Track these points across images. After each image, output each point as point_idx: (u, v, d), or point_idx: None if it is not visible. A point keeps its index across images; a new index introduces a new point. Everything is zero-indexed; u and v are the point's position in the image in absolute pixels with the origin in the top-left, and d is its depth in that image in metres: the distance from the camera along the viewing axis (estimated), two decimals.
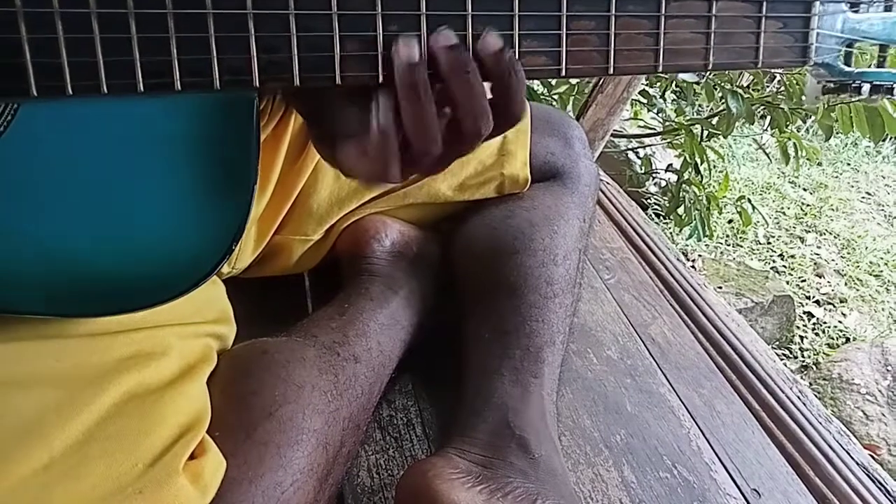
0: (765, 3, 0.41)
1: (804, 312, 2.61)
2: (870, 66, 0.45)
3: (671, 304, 1.02)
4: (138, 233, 0.41)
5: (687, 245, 2.68)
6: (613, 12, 0.39)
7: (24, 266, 0.39)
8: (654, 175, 2.64)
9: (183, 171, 0.41)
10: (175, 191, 0.41)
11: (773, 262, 2.91)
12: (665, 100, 2.56)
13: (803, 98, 1.61)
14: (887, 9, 0.43)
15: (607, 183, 1.50)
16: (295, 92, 0.45)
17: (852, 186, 3.69)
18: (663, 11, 0.40)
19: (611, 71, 0.40)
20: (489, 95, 0.38)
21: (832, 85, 0.45)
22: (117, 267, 0.41)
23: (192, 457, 0.43)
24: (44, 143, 0.38)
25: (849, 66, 0.44)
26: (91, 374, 0.41)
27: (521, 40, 0.38)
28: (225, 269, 0.66)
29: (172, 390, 0.44)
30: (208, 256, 0.41)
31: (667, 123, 2.33)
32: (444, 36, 0.36)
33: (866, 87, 0.45)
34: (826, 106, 1.62)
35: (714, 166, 2.24)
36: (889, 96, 0.45)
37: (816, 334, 2.53)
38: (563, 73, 0.40)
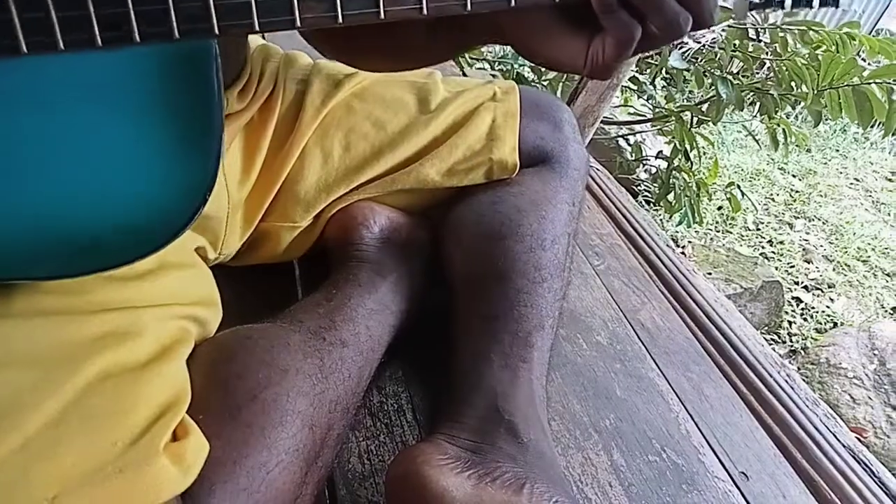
0: None
1: (793, 298, 2.64)
2: None
3: (660, 290, 1.02)
4: (110, 187, 0.40)
5: (677, 231, 2.70)
6: None
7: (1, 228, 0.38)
8: (644, 162, 2.64)
9: (149, 123, 0.40)
10: (143, 143, 0.40)
11: (763, 248, 2.93)
12: (655, 86, 2.55)
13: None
14: None
15: (597, 169, 1.50)
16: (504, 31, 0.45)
17: (841, 173, 3.72)
18: None
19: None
20: None
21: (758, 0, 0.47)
22: (91, 223, 0.40)
23: (174, 439, 0.43)
24: (6, 101, 0.37)
25: None
26: (65, 354, 0.41)
27: None
28: (212, 255, 0.66)
29: (149, 371, 0.44)
30: (183, 207, 0.41)
31: (657, 110, 2.33)
32: None
33: (789, 1, 0.46)
34: (815, 92, 1.62)
35: (704, 153, 2.25)
36: (809, 8, 0.47)
37: (805, 319, 2.55)
38: None
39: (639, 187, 2.75)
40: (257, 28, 0.34)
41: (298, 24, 0.35)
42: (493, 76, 1.82)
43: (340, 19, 0.36)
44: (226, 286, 0.59)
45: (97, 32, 0.31)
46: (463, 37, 0.48)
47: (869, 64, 1.74)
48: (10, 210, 0.38)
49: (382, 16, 0.36)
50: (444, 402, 0.64)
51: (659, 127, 2.36)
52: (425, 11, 0.37)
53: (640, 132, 2.63)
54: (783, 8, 0.46)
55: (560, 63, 0.44)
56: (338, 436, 0.54)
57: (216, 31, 0.34)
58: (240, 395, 0.47)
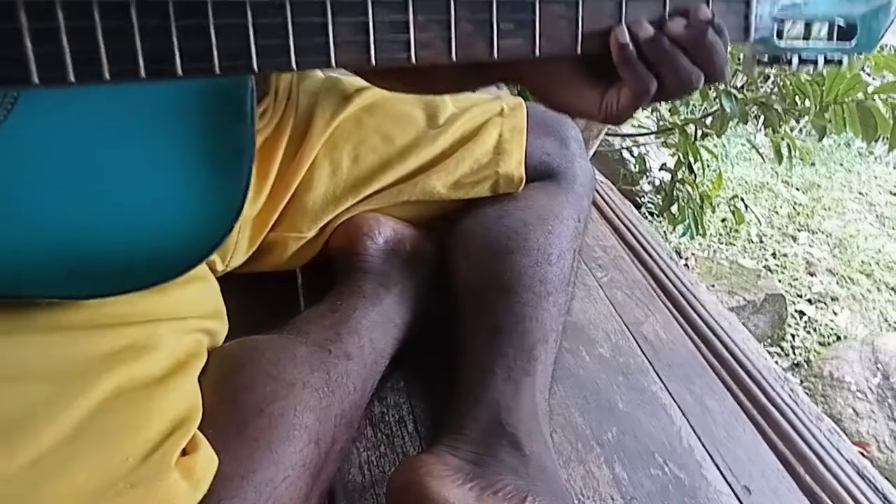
0: None
1: (796, 311, 2.63)
2: (797, 41, 0.50)
3: (663, 303, 1.02)
4: (144, 214, 0.42)
5: (680, 243, 2.69)
6: None
7: (35, 249, 0.40)
8: (648, 174, 2.65)
9: (185, 154, 0.42)
10: (179, 173, 0.42)
11: (766, 260, 2.93)
12: None
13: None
14: None
15: (601, 181, 1.50)
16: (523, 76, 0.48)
17: (844, 186, 3.72)
18: None
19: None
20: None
21: (766, 58, 0.50)
22: (124, 247, 0.42)
23: (183, 453, 0.43)
24: (47, 128, 0.39)
25: (781, 40, 0.49)
26: (80, 368, 0.41)
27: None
28: (220, 266, 0.66)
29: (163, 386, 0.44)
30: (211, 234, 0.43)
31: (661, 123, 2.33)
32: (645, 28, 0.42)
33: (796, 59, 0.50)
34: (819, 106, 1.62)
35: (708, 165, 2.25)
36: (815, 67, 0.50)
37: (808, 332, 2.55)
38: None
39: (642, 199, 2.75)
40: (294, 67, 0.36)
41: (334, 64, 0.37)
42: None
43: (373, 62, 0.38)
44: (229, 295, 0.59)
45: (142, 66, 0.33)
46: (485, 77, 0.51)
47: (874, 79, 1.75)
48: (46, 232, 0.40)
49: (413, 60, 0.38)
50: (447, 413, 0.64)
51: (663, 139, 2.36)
52: (454, 58, 0.39)
53: (645, 144, 2.63)
54: (790, 66, 0.49)
55: (576, 109, 0.46)
56: (341, 449, 0.54)
57: (255, 68, 0.35)
58: (247, 409, 0.47)
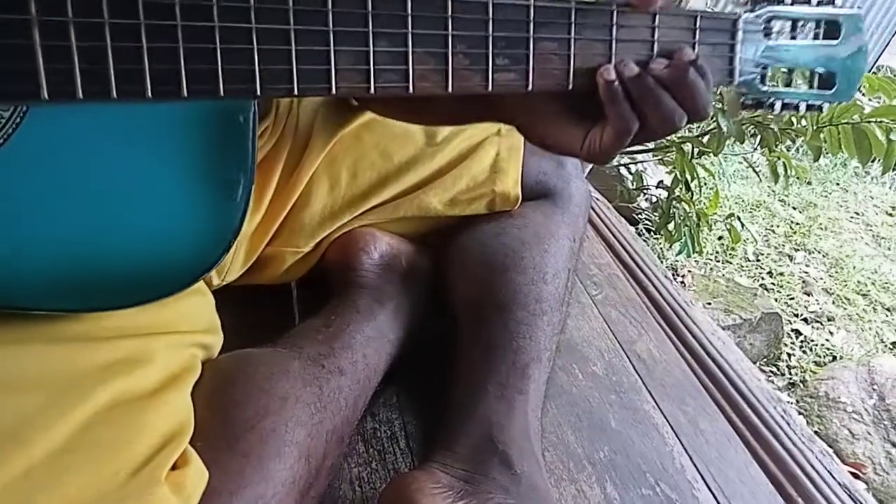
0: (698, 32, 0.47)
1: (792, 330, 2.63)
2: (780, 86, 0.52)
3: (657, 321, 1.02)
4: (146, 226, 0.43)
5: (677, 261, 2.70)
6: (573, 36, 0.44)
7: (40, 263, 0.40)
8: (645, 191, 2.66)
9: (189, 170, 0.43)
10: (184, 189, 0.43)
11: (762, 279, 2.93)
12: None
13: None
14: (793, 37, 0.50)
15: (596, 199, 1.51)
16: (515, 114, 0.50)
17: (841, 206, 3.73)
18: (615, 37, 0.45)
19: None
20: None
21: (750, 101, 0.52)
22: (129, 260, 0.43)
23: (174, 467, 0.43)
24: (56, 139, 0.40)
25: (764, 85, 0.51)
26: (74, 380, 0.41)
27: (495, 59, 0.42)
28: (216, 281, 0.66)
29: (157, 399, 0.44)
30: (212, 250, 0.44)
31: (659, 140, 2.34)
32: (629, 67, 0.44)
33: (778, 104, 0.51)
34: (815, 128, 1.63)
35: (704, 183, 2.26)
36: (796, 112, 0.52)
37: (804, 352, 2.54)
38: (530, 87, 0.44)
39: (639, 216, 2.76)
40: (296, 93, 0.37)
41: (334, 91, 0.38)
42: None
43: (373, 90, 0.39)
44: (224, 307, 0.59)
45: (148, 86, 0.34)
46: (477, 115, 0.53)
47: (870, 100, 1.76)
48: (51, 244, 0.41)
49: (411, 90, 0.39)
50: (439, 430, 0.64)
51: (660, 157, 2.37)
52: (450, 89, 0.40)
53: (642, 161, 2.64)
54: (773, 110, 0.51)
55: (560, 146, 0.47)
56: (332, 465, 0.54)
57: (258, 92, 0.36)
58: (238, 425, 0.48)
